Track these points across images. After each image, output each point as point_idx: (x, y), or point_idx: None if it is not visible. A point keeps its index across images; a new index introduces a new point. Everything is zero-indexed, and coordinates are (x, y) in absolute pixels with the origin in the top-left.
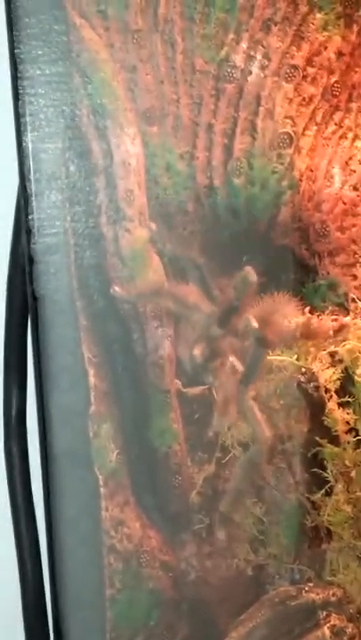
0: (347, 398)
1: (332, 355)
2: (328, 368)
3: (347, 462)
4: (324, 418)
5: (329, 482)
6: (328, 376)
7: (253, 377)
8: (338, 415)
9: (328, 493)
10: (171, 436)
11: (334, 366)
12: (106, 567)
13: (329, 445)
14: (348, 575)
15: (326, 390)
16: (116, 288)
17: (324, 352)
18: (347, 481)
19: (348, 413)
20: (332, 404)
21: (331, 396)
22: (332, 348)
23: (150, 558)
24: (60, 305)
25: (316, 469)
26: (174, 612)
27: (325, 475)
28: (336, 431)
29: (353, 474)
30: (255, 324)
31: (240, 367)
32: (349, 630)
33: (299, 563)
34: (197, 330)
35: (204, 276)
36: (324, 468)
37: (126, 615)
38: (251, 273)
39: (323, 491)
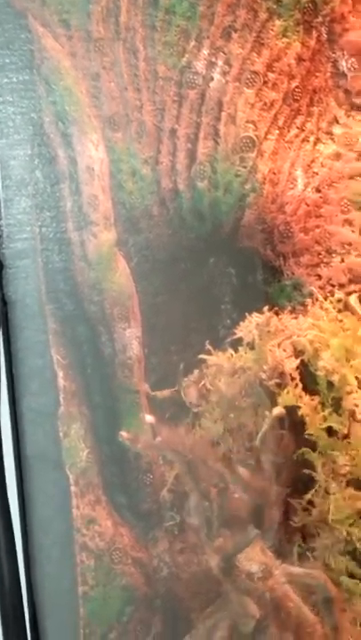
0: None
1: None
2: (290, 357)
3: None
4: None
5: (317, 481)
6: (293, 365)
7: None
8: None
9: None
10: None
11: (297, 356)
12: (78, 565)
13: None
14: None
15: (292, 378)
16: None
17: (288, 341)
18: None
19: (312, 399)
20: (298, 391)
21: (296, 385)
22: (294, 338)
23: (122, 555)
24: (29, 309)
25: (305, 470)
26: (147, 608)
27: (314, 474)
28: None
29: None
30: None
31: None
32: None
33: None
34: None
35: None
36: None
37: (99, 612)
38: None
39: (312, 491)
